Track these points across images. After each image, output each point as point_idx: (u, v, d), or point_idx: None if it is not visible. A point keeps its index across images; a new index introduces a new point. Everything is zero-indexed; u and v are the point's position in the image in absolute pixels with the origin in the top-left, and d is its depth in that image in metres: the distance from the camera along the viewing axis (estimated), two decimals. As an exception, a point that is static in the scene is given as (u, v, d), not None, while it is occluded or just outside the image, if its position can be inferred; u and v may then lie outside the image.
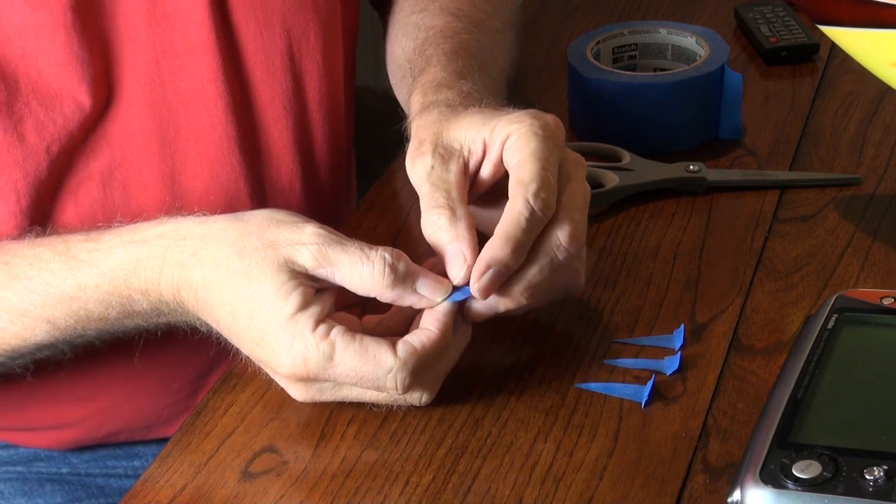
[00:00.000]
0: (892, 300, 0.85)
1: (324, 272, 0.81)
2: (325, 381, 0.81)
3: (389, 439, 0.83)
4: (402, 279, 0.81)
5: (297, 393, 0.83)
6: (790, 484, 0.72)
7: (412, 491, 0.79)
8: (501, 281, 0.82)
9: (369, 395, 0.82)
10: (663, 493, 0.78)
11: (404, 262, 0.81)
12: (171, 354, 1.02)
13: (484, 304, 0.83)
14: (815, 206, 1.03)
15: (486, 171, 0.86)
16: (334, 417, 0.85)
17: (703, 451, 0.81)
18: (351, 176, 1.16)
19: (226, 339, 0.85)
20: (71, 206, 0.95)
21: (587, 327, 0.91)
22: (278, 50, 0.99)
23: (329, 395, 0.82)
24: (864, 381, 0.80)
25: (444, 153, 0.85)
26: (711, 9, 1.34)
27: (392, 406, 0.84)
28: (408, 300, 0.82)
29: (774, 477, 0.72)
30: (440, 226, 0.83)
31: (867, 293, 0.86)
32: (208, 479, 0.81)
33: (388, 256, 0.80)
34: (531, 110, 0.86)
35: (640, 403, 0.84)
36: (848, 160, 1.09)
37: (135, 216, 0.92)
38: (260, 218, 0.83)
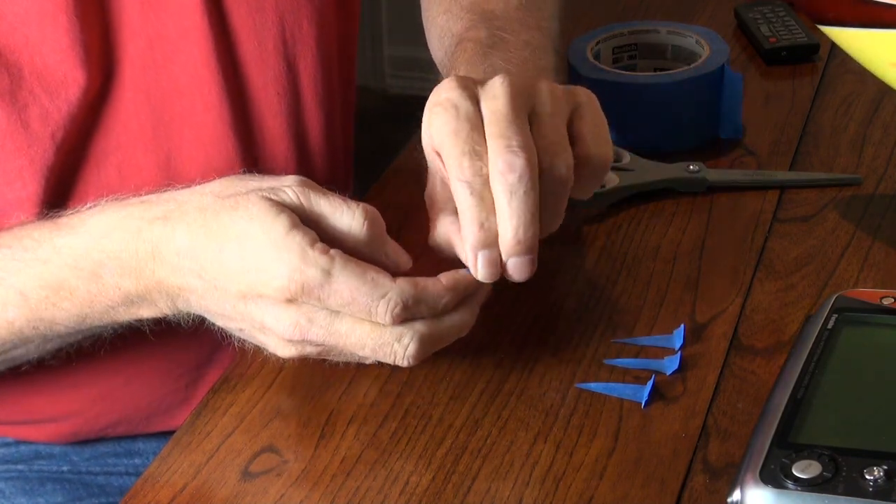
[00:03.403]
0: (892, 300, 0.85)
1: (304, 211, 0.82)
2: (318, 305, 0.80)
3: (389, 439, 0.83)
4: (379, 235, 0.83)
5: (287, 324, 0.81)
6: (790, 484, 0.72)
7: (412, 491, 0.80)
8: (494, 254, 0.82)
9: (357, 335, 0.81)
10: (663, 493, 0.78)
11: (381, 221, 0.84)
12: (168, 343, 1.02)
13: (515, 262, 0.83)
14: (815, 206, 1.03)
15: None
16: (334, 417, 0.85)
17: (703, 451, 0.81)
18: (349, 171, 1.16)
19: (205, 319, 0.85)
20: (76, 190, 0.96)
21: (587, 327, 0.91)
22: (270, 35, 0.99)
23: (318, 328, 0.81)
24: (864, 381, 0.80)
25: (432, 172, 0.88)
26: (711, 9, 1.34)
27: (377, 359, 0.82)
28: (377, 257, 0.83)
29: (774, 477, 0.72)
30: (437, 245, 0.87)
31: (867, 293, 0.86)
32: (208, 479, 0.82)
33: (368, 208, 0.83)
34: (432, 94, 0.86)
35: (640, 403, 0.84)
36: (848, 160, 1.09)
37: None
38: (238, 175, 0.86)
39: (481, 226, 0.82)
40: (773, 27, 1.27)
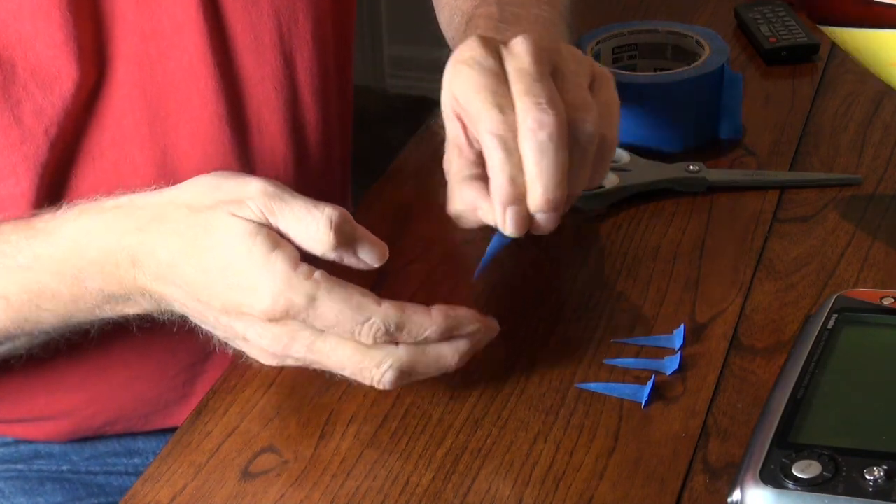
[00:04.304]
0: (892, 300, 0.85)
1: (270, 226, 0.80)
2: (303, 325, 0.79)
3: (389, 439, 0.83)
4: (347, 241, 0.81)
5: (269, 340, 0.80)
6: (790, 484, 0.72)
7: (412, 491, 0.79)
8: (523, 209, 0.82)
9: (338, 356, 0.80)
10: (663, 493, 0.78)
11: (349, 224, 0.81)
12: (165, 340, 1.02)
13: (543, 217, 0.83)
14: (815, 206, 1.03)
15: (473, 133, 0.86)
16: (334, 417, 0.85)
17: (703, 451, 0.81)
18: (346, 167, 1.16)
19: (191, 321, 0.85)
20: (67, 186, 0.96)
21: (587, 327, 0.91)
22: (266, 29, 0.99)
23: (300, 346, 0.80)
24: (864, 381, 0.80)
25: (449, 140, 0.86)
26: (711, 9, 1.34)
27: (356, 380, 0.82)
28: (347, 261, 0.82)
29: (774, 477, 0.72)
30: (459, 213, 0.85)
31: (867, 293, 0.86)
32: (208, 479, 0.82)
33: (334, 215, 0.80)
34: (454, 54, 0.85)
35: (640, 403, 0.84)
36: (848, 160, 1.09)
37: None
38: (206, 178, 0.84)
39: (512, 181, 0.81)
40: (773, 27, 1.27)
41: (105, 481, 1.10)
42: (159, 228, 0.82)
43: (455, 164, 0.86)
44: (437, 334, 0.80)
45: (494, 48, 0.84)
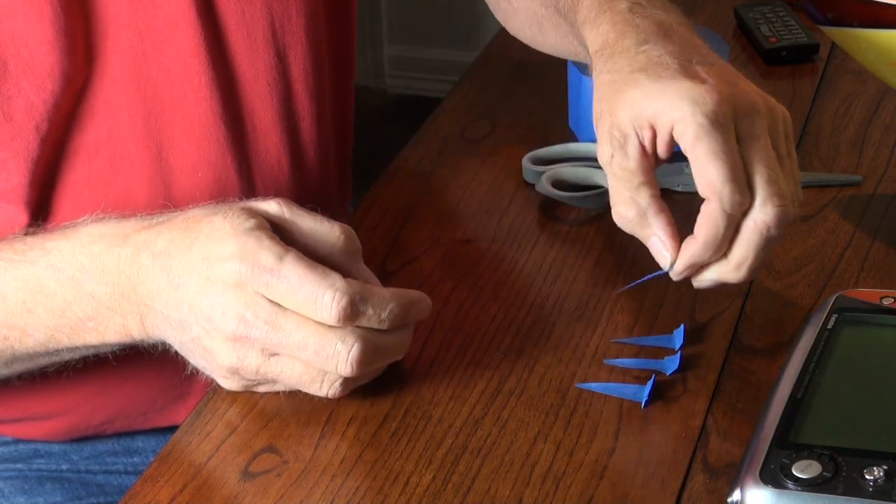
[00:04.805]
0: (892, 300, 0.85)
1: (286, 221, 0.84)
2: (265, 297, 0.80)
3: (389, 439, 0.83)
4: (352, 249, 0.84)
5: (232, 317, 0.81)
6: (790, 484, 0.72)
7: (412, 491, 0.79)
8: (701, 268, 0.85)
9: (301, 333, 0.80)
10: (663, 493, 0.78)
11: (357, 242, 0.85)
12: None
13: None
14: (815, 206, 1.03)
15: (662, 150, 0.86)
16: (334, 417, 0.85)
17: (703, 451, 0.81)
18: (346, 165, 1.16)
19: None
20: (60, 182, 0.97)
21: (587, 327, 0.91)
22: (260, 25, 1.00)
23: (262, 324, 0.81)
24: (864, 381, 0.80)
25: (619, 137, 0.86)
26: (711, 9, 1.34)
27: (315, 371, 0.82)
28: (350, 273, 0.84)
29: (774, 477, 0.72)
30: (630, 219, 0.86)
31: (867, 293, 0.86)
32: (208, 479, 0.82)
33: (347, 227, 0.84)
34: (686, 83, 0.84)
35: (640, 403, 0.84)
36: (848, 160, 1.09)
37: (122, 192, 0.94)
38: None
39: (718, 250, 0.84)
40: (773, 27, 1.27)
41: (104, 481, 1.10)
42: (168, 225, 0.85)
43: (633, 162, 0.85)
44: (399, 308, 0.82)
45: (730, 105, 0.84)
